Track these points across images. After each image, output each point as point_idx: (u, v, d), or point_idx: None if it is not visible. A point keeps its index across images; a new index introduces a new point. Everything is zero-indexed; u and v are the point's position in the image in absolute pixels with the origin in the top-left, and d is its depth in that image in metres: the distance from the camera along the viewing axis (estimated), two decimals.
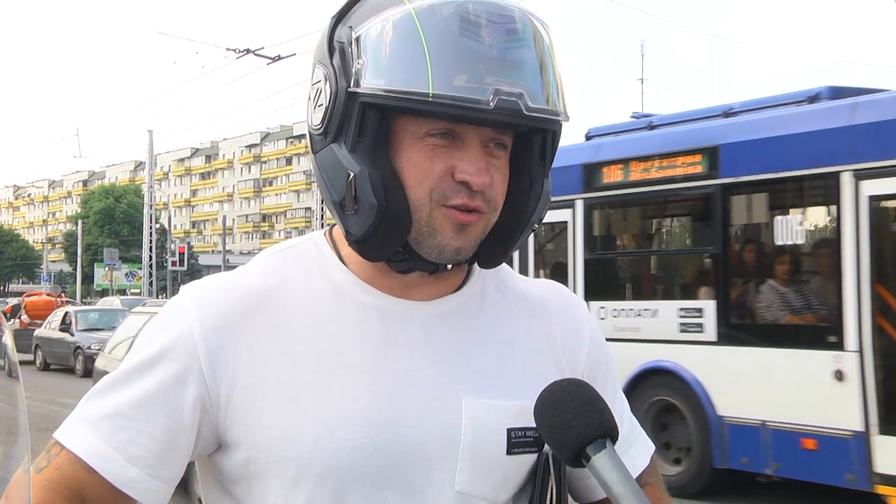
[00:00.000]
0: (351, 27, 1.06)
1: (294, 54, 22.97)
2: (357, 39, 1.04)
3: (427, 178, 1.05)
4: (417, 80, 1.00)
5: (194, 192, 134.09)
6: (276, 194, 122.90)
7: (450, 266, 1.10)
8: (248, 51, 23.57)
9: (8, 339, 0.76)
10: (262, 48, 23.31)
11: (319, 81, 1.08)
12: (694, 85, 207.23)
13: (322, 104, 1.07)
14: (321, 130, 1.08)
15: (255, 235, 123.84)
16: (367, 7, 1.06)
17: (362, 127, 1.04)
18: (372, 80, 1.02)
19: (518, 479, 1.13)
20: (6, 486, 0.73)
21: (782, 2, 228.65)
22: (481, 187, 1.05)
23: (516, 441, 1.11)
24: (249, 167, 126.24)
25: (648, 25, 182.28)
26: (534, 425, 1.08)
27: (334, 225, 1.17)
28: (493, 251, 1.12)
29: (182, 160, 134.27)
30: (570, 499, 1.19)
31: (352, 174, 1.04)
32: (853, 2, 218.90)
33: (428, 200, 1.05)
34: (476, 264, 1.17)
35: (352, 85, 1.04)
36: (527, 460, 1.12)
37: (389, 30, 1.02)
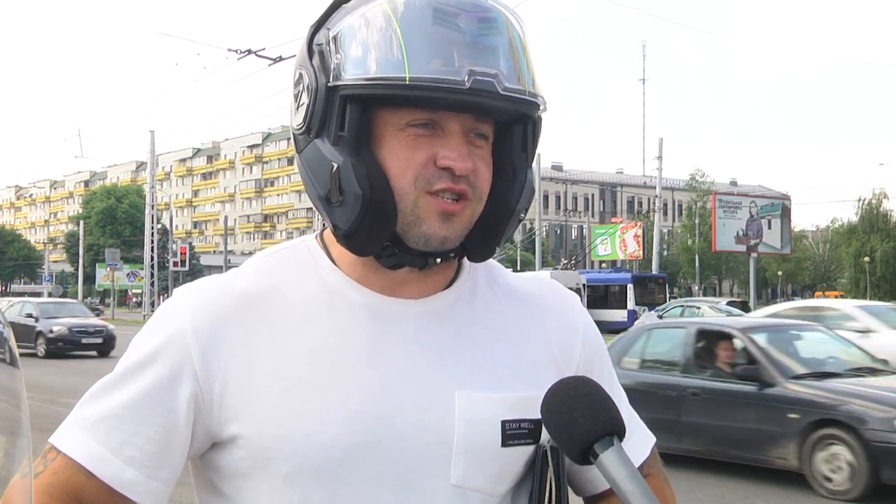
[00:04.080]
0: (328, 28, 1.09)
1: (295, 55, 23.00)
2: (334, 38, 1.07)
3: (410, 167, 1.06)
4: (393, 67, 1.02)
5: (196, 193, 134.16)
6: (278, 194, 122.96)
7: (438, 260, 1.11)
8: (249, 52, 23.64)
9: (9, 335, 0.75)
10: (264, 49, 23.43)
11: (300, 83, 1.11)
12: (694, 85, 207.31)
13: (304, 103, 1.09)
14: (304, 128, 1.10)
15: (256, 236, 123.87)
16: (343, 11, 1.09)
17: (343, 121, 1.05)
18: (350, 72, 1.04)
19: (515, 471, 1.14)
20: (5, 486, 0.72)
21: (783, 1, 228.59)
22: (464, 172, 1.06)
23: (511, 433, 1.11)
24: (251, 167, 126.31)
25: (649, 25, 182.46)
26: (529, 417, 1.10)
27: (326, 228, 1.19)
28: (480, 243, 1.13)
29: (184, 160, 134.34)
30: (570, 491, 1.19)
31: (335, 165, 1.05)
32: (854, 2, 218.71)
33: (413, 189, 1.06)
34: (465, 261, 1.18)
35: (331, 80, 1.06)
36: (523, 452, 1.13)
37: (364, 24, 1.05)
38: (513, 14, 1.09)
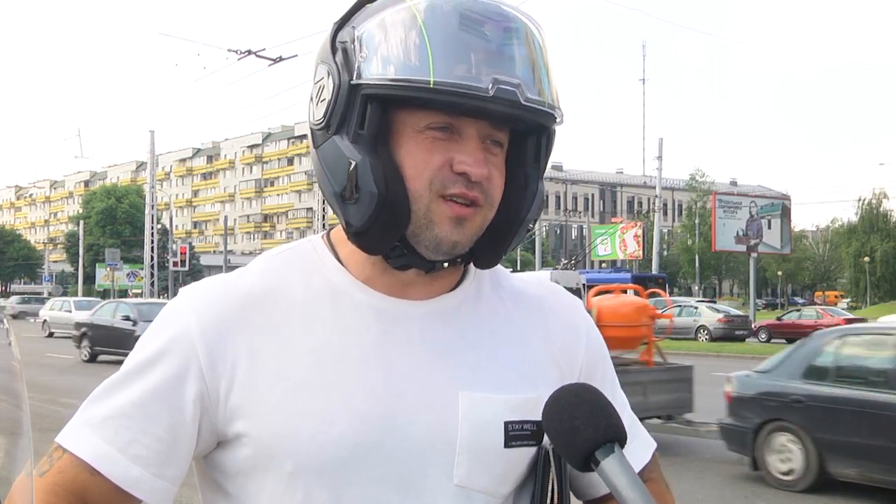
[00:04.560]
0: (353, 27, 1.09)
1: (296, 55, 23.02)
2: (359, 37, 1.07)
3: (426, 170, 1.07)
4: (419, 69, 1.02)
5: (196, 193, 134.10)
6: (278, 194, 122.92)
7: (445, 264, 1.12)
8: (249, 52, 23.61)
9: (12, 338, 0.75)
10: (264, 49, 23.40)
11: (322, 79, 1.11)
12: (694, 85, 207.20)
13: (324, 99, 1.10)
14: (323, 124, 1.10)
15: (256, 236, 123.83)
16: (368, 10, 1.10)
17: (364, 119, 1.06)
18: (374, 72, 1.05)
19: (518, 473, 1.14)
20: (9, 486, 0.72)
21: (783, 2, 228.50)
22: (479, 178, 1.07)
23: (514, 434, 1.12)
24: (251, 167, 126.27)
25: (648, 25, 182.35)
26: (531, 418, 1.12)
27: (332, 228, 1.20)
28: (489, 251, 1.14)
29: (184, 160, 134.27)
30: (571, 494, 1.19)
31: (353, 163, 1.06)
32: (854, 2, 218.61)
33: (427, 192, 1.07)
34: (472, 265, 1.19)
35: (354, 78, 1.06)
36: (526, 453, 1.14)
37: (391, 25, 1.05)
38: (536, 25, 1.10)
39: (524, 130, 1.13)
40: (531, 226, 1.15)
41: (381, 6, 1.08)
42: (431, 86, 1.02)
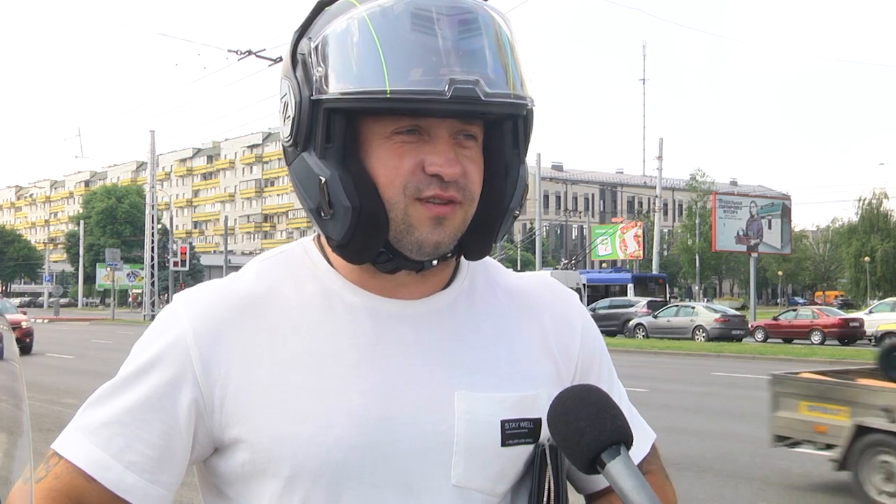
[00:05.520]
0: (310, 38, 1.08)
1: None
2: (316, 49, 1.06)
3: (398, 176, 1.05)
4: (374, 79, 1.01)
5: (196, 193, 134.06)
6: (278, 194, 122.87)
7: (435, 262, 1.11)
8: (249, 52, 23.65)
9: (11, 339, 0.75)
10: (264, 50, 23.48)
11: (286, 95, 1.10)
12: (694, 85, 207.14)
13: (289, 115, 1.09)
14: (291, 141, 1.10)
15: (256, 236, 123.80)
16: (324, 17, 1.08)
17: (329, 133, 1.05)
18: (332, 85, 1.04)
19: (515, 471, 1.14)
20: (8, 486, 0.72)
21: (783, 2, 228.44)
22: (452, 178, 1.06)
23: (511, 433, 1.12)
24: (251, 167, 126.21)
25: (649, 25, 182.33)
26: (528, 416, 1.12)
27: None
28: (476, 243, 1.13)
29: (184, 160, 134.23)
30: (569, 489, 1.19)
31: (323, 179, 1.05)
32: (854, 2, 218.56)
33: (402, 197, 1.06)
34: (463, 260, 1.19)
35: (314, 93, 1.05)
36: (523, 451, 1.13)
37: (344, 35, 1.04)
38: (496, 12, 1.08)
39: (499, 117, 1.11)
40: (517, 213, 1.14)
41: (335, 12, 1.07)
42: (388, 95, 1.00)
